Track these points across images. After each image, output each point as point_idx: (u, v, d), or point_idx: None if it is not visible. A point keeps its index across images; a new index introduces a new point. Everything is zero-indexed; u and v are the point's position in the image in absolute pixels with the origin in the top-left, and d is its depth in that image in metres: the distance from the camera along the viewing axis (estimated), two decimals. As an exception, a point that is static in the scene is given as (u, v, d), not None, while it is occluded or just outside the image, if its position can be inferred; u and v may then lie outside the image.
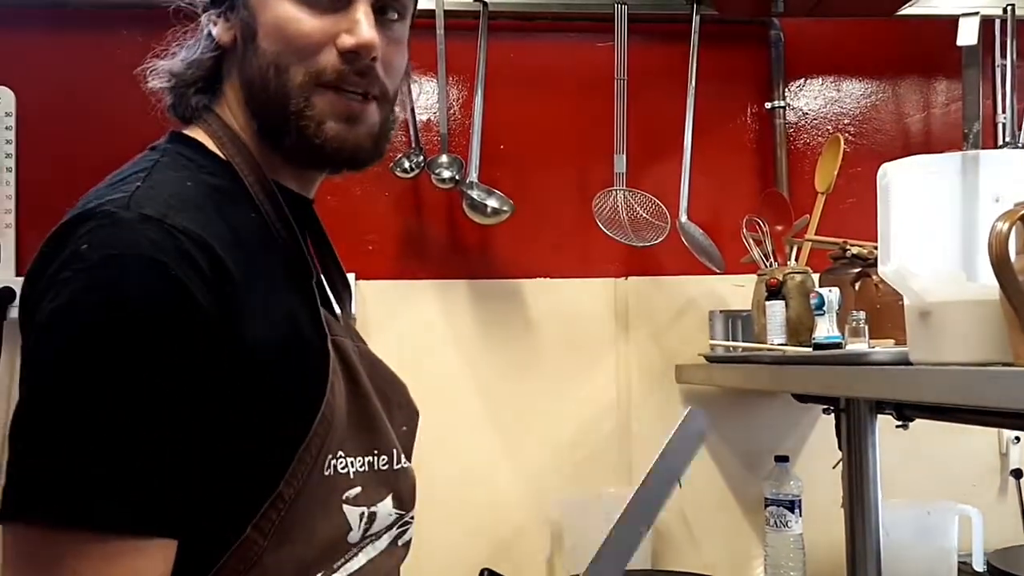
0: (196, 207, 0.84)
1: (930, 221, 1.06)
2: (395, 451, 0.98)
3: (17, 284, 1.90)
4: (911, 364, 1.09)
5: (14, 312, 1.90)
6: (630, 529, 1.01)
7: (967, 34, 1.59)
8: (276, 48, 0.90)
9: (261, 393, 0.83)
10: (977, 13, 1.55)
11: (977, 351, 1.00)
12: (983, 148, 2.09)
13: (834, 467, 1.77)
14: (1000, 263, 0.89)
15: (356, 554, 0.91)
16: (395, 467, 0.97)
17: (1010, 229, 0.89)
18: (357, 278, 2.00)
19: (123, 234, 0.78)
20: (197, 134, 0.95)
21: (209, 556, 0.82)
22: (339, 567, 0.89)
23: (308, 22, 0.90)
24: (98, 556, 0.73)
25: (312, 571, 0.87)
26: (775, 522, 1.90)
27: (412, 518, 1.01)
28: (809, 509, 1.91)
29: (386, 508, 0.95)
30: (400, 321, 2.04)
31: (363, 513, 0.91)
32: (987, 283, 0.95)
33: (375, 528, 0.93)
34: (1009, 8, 2.05)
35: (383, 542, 0.95)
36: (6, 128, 1.97)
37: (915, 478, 2.04)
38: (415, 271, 2.07)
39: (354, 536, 0.91)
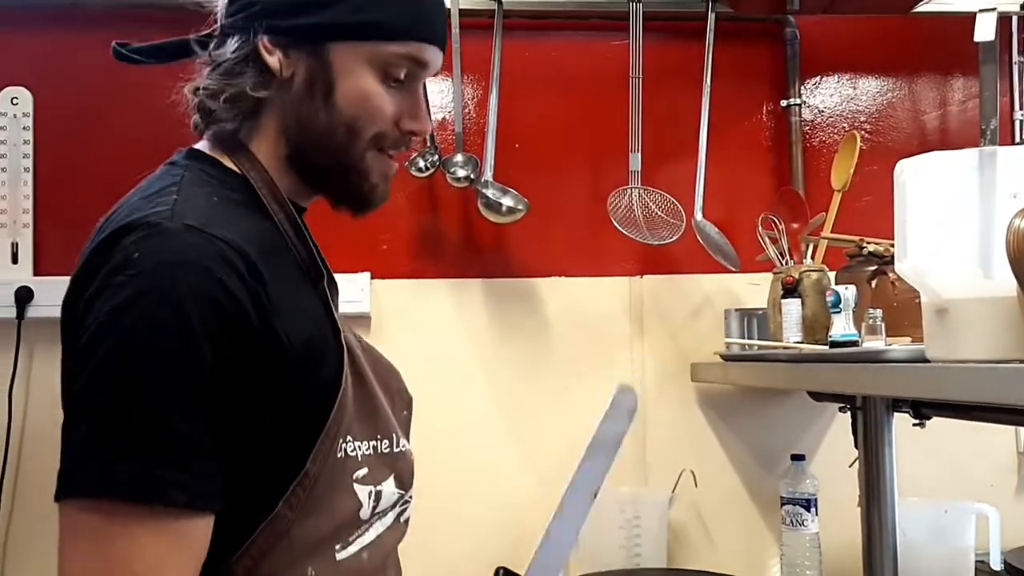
0: (225, 219, 0.93)
1: (947, 218, 1.05)
2: (395, 435, 1.07)
3: (34, 284, 1.94)
4: (928, 361, 1.09)
5: (32, 311, 1.93)
6: (568, 516, 1.16)
7: (984, 30, 1.58)
8: (355, 113, 1.01)
9: (291, 383, 0.93)
10: (994, 9, 1.54)
11: (994, 348, 1.00)
12: (1000, 145, 2.09)
13: (850, 466, 1.77)
14: (1018, 260, 0.89)
15: (367, 529, 1.01)
16: (395, 450, 1.07)
17: (1028, 225, 0.89)
18: (372, 277, 2.02)
19: (170, 242, 0.87)
20: (207, 149, 1.03)
21: (245, 529, 0.91)
22: (353, 540, 0.99)
23: (387, 100, 1.02)
24: (152, 529, 0.83)
25: (331, 543, 0.96)
26: (791, 521, 1.90)
27: (411, 497, 1.11)
28: (825, 508, 1.91)
29: (390, 487, 1.04)
30: (415, 320, 2.05)
31: (371, 492, 1.01)
32: (1004, 280, 0.95)
33: (382, 506, 1.03)
34: (1026, 4, 2.06)
35: (389, 519, 1.05)
36: (23, 128, 2.00)
37: (932, 477, 2.04)
38: (430, 270, 2.08)
39: (365, 512, 1.00)
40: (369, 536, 1.01)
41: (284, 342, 0.91)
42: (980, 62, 1.99)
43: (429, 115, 1.14)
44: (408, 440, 1.12)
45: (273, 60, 1.00)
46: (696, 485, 2.02)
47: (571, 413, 2.06)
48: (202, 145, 1.04)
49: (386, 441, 1.05)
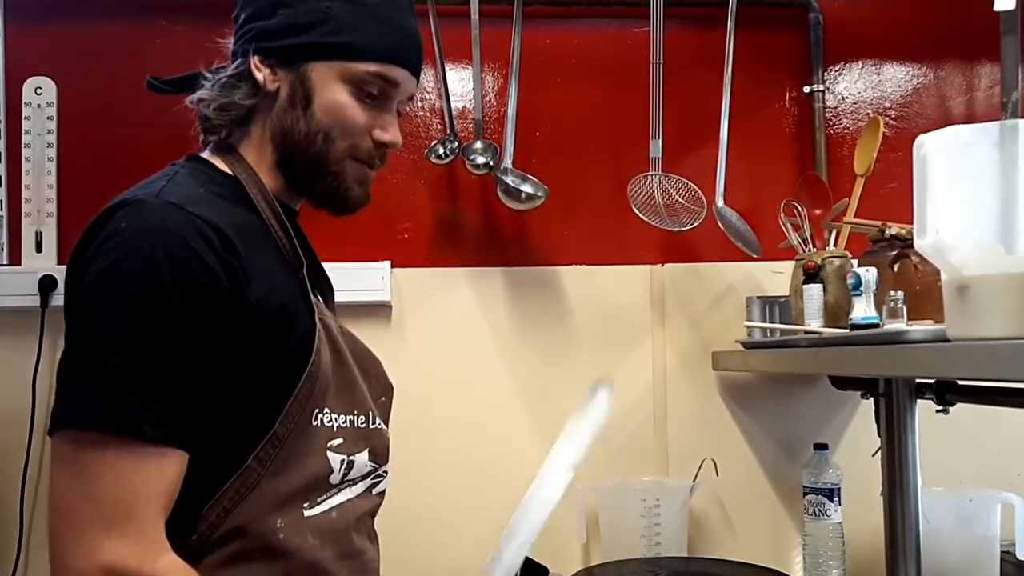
0: (208, 203, 1.06)
1: (968, 193, 1.04)
2: (371, 413, 1.19)
3: (59, 272, 1.95)
4: (948, 341, 1.08)
5: (57, 299, 1.95)
6: (533, 509, 1.30)
7: None
8: (330, 122, 1.15)
9: (260, 346, 1.05)
10: None
11: (1017, 326, 0.98)
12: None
13: (873, 455, 1.76)
14: None
15: (336, 493, 1.13)
16: (371, 427, 1.18)
17: (1050, 198, 0.87)
18: (392, 266, 2.03)
19: (153, 215, 1.00)
20: (209, 156, 1.19)
21: (217, 478, 1.03)
22: (321, 500, 1.11)
23: (360, 113, 1.16)
24: (124, 459, 0.95)
25: (299, 500, 1.08)
26: (814, 511, 1.90)
27: (385, 472, 1.22)
28: (848, 498, 1.90)
29: (362, 459, 1.16)
30: (435, 309, 2.06)
31: (343, 460, 1.13)
32: None
33: (352, 474, 1.15)
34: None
35: (359, 487, 1.17)
36: (48, 119, 2.02)
37: (957, 466, 2.04)
38: (450, 259, 2.09)
39: (335, 478, 1.12)
40: (338, 499, 1.13)
41: (254, 307, 1.03)
42: (1001, 32, 1.97)
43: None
44: (387, 423, 1.24)
45: (261, 76, 1.16)
46: (717, 474, 2.01)
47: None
48: (204, 152, 1.20)
49: (362, 417, 1.17)
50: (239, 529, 1.04)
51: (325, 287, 1.30)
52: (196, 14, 2.04)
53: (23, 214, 2.00)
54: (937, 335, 1.14)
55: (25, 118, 2.01)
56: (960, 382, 1.51)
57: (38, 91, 2.02)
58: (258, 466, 1.04)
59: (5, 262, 1.99)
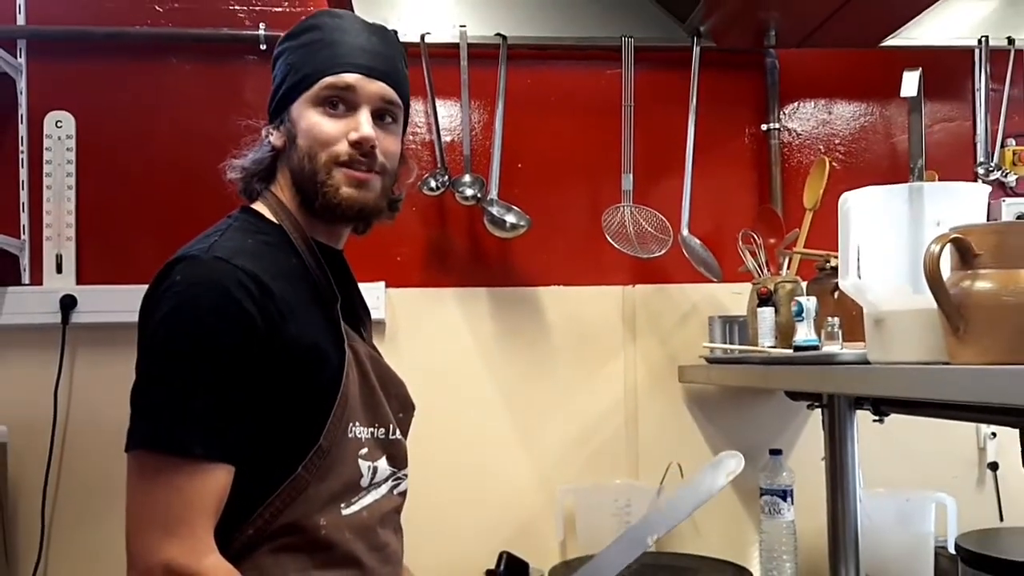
0: (251, 254, 1.21)
1: (883, 241, 1.22)
2: (391, 425, 1.33)
3: (78, 292, 2.08)
4: (869, 363, 1.26)
5: (75, 317, 2.07)
6: (635, 539, 1.42)
7: (909, 87, 1.75)
8: (308, 143, 1.29)
9: (297, 375, 1.20)
10: (919, 68, 1.71)
11: (921, 352, 1.16)
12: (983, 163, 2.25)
13: (822, 459, 1.91)
14: (933, 279, 1.05)
15: (366, 494, 1.28)
16: (390, 437, 1.33)
17: (941, 250, 1.05)
18: (387, 286, 2.15)
19: (201, 269, 1.17)
20: (259, 207, 1.34)
21: (272, 483, 1.19)
22: (355, 501, 1.25)
23: (328, 124, 1.28)
24: (182, 472, 1.11)
25: (338, 500, 1.23)
26: (769, 510, 2.03)
27: (405, 475, 1.37)
28: (800, 498, 2.04)
29: (383, 464, 1.31)
30: (426, 325, 2.18)
31: (370, 466, 1.28)
32: (930, 295, 1.08)
33: (377, 478, 1.29)
34: (983, 39, 2.24)
35: (383, 489, 1.31)
36: (67, 150, 2.13)
37: (900, 471, 2.18)
38: (440, 280, 2.21)
39: (364, 481, 1.27)
40: (368, 499, 1.27)
41: (288, 344, 1.18)
42: (908, 111, 2.15)
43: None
44: (405, 435, 1.39)
45: (274, 138, 1.33)
46: (682, 477, 2.14)
47: (569, 410, 2.21)
48: (255, 204, 1.35)
49: (383, 429, 1.31)
50: (290, 526, 1.19)
51: (362, 312, 1.44)
52: (204, 54, 2.18)
53: (44, 238, 2.10)
54: (861, 358, 1.32)
55: (47, 149, 2.12)
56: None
57: (58, 124, 2.13)
58: (306, 474, 1.20)
59: (28, 282, 2.09)
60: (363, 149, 1.28)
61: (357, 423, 1.26)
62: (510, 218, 2.11)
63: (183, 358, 1.13)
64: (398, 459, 1.34)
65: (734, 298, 2.21)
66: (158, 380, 1.14)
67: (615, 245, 2.10)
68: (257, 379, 1.16)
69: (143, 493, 1.12)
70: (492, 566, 1.98)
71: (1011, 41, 2.28)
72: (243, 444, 1.16)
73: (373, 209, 1.32)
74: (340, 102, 1.29)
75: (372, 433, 1.29)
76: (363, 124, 1.28)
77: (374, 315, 2.05)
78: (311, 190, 1.28)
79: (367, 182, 1.29)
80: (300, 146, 1.28)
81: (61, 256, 2.11)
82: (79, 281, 2.11)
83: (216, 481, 1.14)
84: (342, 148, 1.27)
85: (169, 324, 1.14)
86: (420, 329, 2.19)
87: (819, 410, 1.92)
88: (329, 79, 1.28)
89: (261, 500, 1.19)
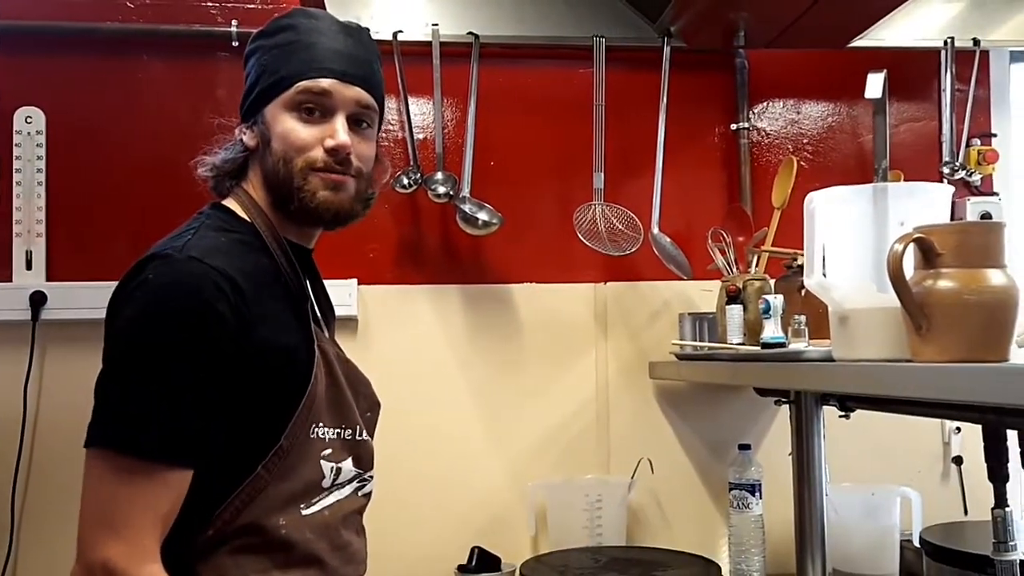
0: (225, 253, 1.20)
1: (848, 241, 1.24)
2: (358, 427, 1.33)
3: (47, 288, 2.06)
4: (834, 360, 1.28)
5: (45, 314, 2.06)
6: None
7: (873, 88, 1.78)
8: (283, 148, 1.29)
9: (266, 376, 1.20)
10: (883, 70, 1.73)
11: (884, 350, 1.19)
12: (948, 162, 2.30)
13: (789, 454, 1.93)
14: (896, 278, 1.08)
15: (328, 495, 1.28)
16: (357, 438, 1.33)
17: (904, 249, 1.08)
18: (359, 283, 2.15)
19: (174, 269, 1.16)
20: (231, 204, 1.33)
21: (231, 483, 1.19)
22: (316, 501, 1.26)
23: (304, 131, 1.29)
24: (141, 475, 1.11)
25: (298, 501, 1.24)
26: (738, 504, 2.05)
27: (371, 476, 1.37)
28: (769, 492, 2.07)
29: (348, 466, 1.31)
30: (398, 322, 2.19)
31: (333, 467, 1.28)
32: (893, 294, 1.11)
33: (341, 479, 1.30)
34: (949, 40, 2.27)
35: (347, 490, 1.31)
36: (37, 146, 2.10)
37: (867, 465, 2.21)
38: (412, 277, 2.22)
39: (326, 482, 1.27)
40: (329, 500, 1.28)
41: (259, 347, 1.18)
42: (873, 113, 2.18)
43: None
44: (371, 434, 1.38)
45: (247, 138, 1.33)
46: (653, 472, 2.17)
47: (541, 407, 2.22)
48: (227, 200, 1.35)
49: (349, 430, 1.31)
50: (249, 526, 1.19)
51: (328, 313, 1.44)
52: (175, 50, 2.18)
53: (14, 234, 2.08)
54: (826, 355, 1.34)
55: (16, 145, 2.10)
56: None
57: (28, 120, 2.11)
58: (266, 473, 1.20)
59: (-3, 278, 2.07)
60: (339, 156, 1.29)
61: (322, 424, 1.26)
62: (482, 216, 2.12)
63: (150, 360, 1.12)
64: (364, 460, 1.35)
65: (704, 295, 2.23)
66: (122, 379, 1.14)
67: (586, 243, 2.12)
68: (225, 382, 1.16)
69: (95, 490, 1.12)
70: (464, 561, 2.01)
71: (976, 42, 2.32)
72: (204, 448, 1.15)
73: (349, 212, 1.33)
74: (316, 107, 1.29)
75: (339, 434, 1.29)
76: (339, 131, 1.29)
77: (347, 312, 2.13)
78: (286, 194, 1.29)
79: (343, 184, 1.30)
80: (275, 150, 1.29)
81: (31, 252, 2.09)
82: (49, 278, 2.09)
83: (171, 486, 1.13)
84: (318, 154, 1.28)
85: (138, 323, 1.14)
86: (392, 326, 2.19)
87: (787, 406, 1.94)
88: (305, 83, 1.28)
89: (221, 500, 1.19)
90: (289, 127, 1.28)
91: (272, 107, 1.30)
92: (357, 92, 1.31)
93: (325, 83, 1.29)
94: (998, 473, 1.40)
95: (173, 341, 1.12)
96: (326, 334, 1.38)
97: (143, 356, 1.13)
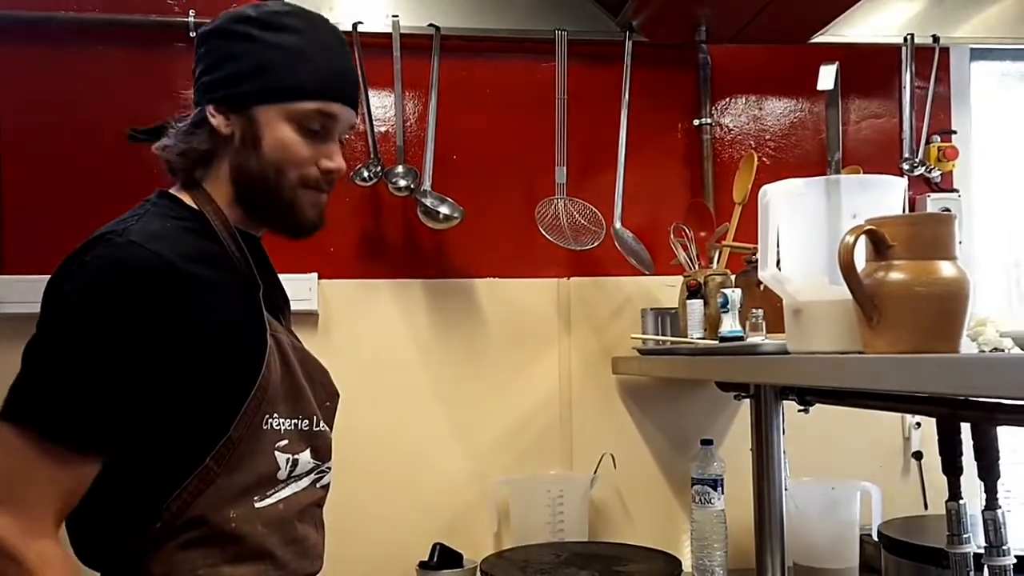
0: (168, 239, 1.19)
1: (801, 233, 1.25)
2: (315, 417, 1.31)
3: (1, 282, 2.03)
4: (788, 353, 1.29)
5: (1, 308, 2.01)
6: None
7: (826, 80, 1.78)
8: (279, 157, 1.27)
9: (211, 364, 1.18)
10: (835, 62, 1.74)
11: (837, 342, 1.19)
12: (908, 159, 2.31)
13: (751, 449, 1.95)
14: (847, 269, 1.08)
15: (283, 488, 1.26)
16: (314, 429, 1.31)
17: (855, 241, 1.08)
18: (320, 277, 2.14)
19: (114, 251, 1.15)
20: (178, 192, 1.31)
21: (179, 475, 1.17)
22: (270, 494, 1.24)
23: (304, 147, 1.28)
24: (50, 457, 1.10)
25: (251, 493, 1.22)
26: (700, 499, 2.05)
27: (328, 468, 1.35)
28: (731, 488, 2.06)
29: (305, 457, 1.29)
30: (360, 317, 2.18)
31: (288, 459, 1.26)
32: (845, 286, 1.11)
33: (297, 471, 1.28)
34: (909, 36, 2.29)
35: (304, 482, 1.29)
36: None
37: (829, 460, 2.23)
38: (374, 271, 2.20)
39: (282, 474, 1.25)
40: (285, 492, 1.26)
41: (202, 336, 1.16)
42: (826, 105, 2.19)
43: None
44: (330, 425, 1.38)
45: (217, 122, 1.27)
46: (615, 467, 2.18)
47: (504, 402, 2.22)
48: (173, 188, 1.32)
49: (306, 421, 1.30)
50: (197, 519, 1.18)
51: (282, 302, 1.43)
52: (129, 40, 2.15)
53: None
54: (781, 348, 1.35)
55: None
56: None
57: None
58: (215, 465, 1.18)
59: (-49, 272, 2.03)
60: (331, 178, 1.31)
61: (276, 415, 1.24)
62: (444, 209, 2.12)
63: (74, 341, 1.12)
64: (322, 452, 1.33)
65: (667, 291, 2.23)
66: (48, 358, 1.13)
67: (548, 237, 2.12)
68: (160, 371, 1.14)
69: (2, 459, 1.12)
70: (425, 558, 2.00)
71: (936, 39, 2.34)
72: (118, 439, 1.14)
73: (321, 225, 1.35)
74: (319, 128, 1.29)
75: (295, 425, 1.28)
76: (336, 155, 1.31)
77: (307, 307, 2.12)
78: (269, 200, 1.29)
79: (324, 203, 1.33)
80: (267, 156, 1.27)
81: (-17, 246, 2.05)
82: (2, 271, 2.07)
83: (77, 473, 1.13)
84: (313, 172, 1.28)
85: (70, 304, 1.13)
86: (354, 321, 2.18)
87: (748, 400, 1.95)
88: (318, 105, 1.27)
89: (168, 493, 1.17)
90: (290, 139, 1.27)
91: (270, 110, 1.27)
92: (352, 115, 1.33)
93: (335, 107, 1.29)
94: (952, 466, 1.41)
95: (100, 326, 1.12)
96: (280, 323, 1.36)
97: (68, 336, 1.12)
